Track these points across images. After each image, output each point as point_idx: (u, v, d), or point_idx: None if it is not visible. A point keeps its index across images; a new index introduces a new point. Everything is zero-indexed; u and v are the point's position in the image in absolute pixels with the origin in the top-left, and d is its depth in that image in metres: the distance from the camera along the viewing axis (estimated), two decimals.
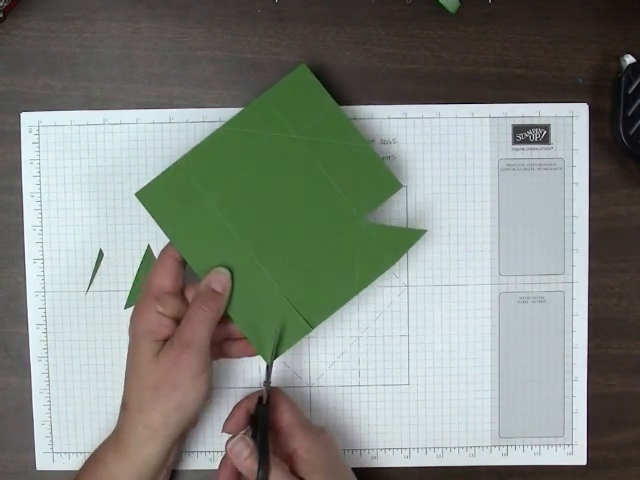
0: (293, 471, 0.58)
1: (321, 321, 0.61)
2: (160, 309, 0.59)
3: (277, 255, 0.61)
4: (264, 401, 0.60)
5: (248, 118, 0.61)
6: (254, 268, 0.61)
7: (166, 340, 0.59)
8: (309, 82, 0.61)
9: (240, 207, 0.61)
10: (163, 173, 0.61)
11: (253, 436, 0.59)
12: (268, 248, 0.61)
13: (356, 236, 0.61)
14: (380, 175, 0.61)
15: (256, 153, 0.61)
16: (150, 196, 0.60)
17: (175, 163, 0.61)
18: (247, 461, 0.58)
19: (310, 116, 0.61)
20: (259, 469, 0.56)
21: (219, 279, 0.60)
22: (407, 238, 0.62)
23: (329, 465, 0.59)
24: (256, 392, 0.62)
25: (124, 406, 0.60)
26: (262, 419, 0.60)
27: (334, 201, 0.61)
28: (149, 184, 0.61)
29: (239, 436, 0.59)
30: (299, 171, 0.61)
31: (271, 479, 0.56)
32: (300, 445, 0.58)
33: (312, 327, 0.61)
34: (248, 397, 0.62)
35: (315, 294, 0.61)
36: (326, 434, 0.60)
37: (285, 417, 0.60)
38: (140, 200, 0.60)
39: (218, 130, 0.61)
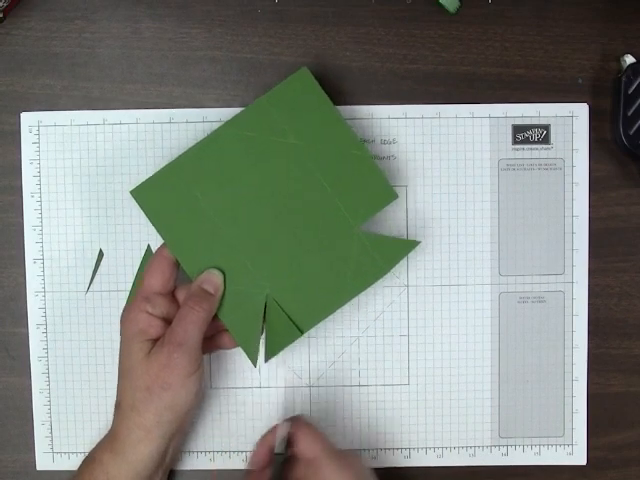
0: None
1: (311, 327, 0.61)
2: (150, 309, 0.59)
3: (270, 259, 0.61)
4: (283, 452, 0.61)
5: (246, 120, 0.60)
6: (246, 271, 0.60)
7: (157, 340, 0.59)
8: (310, 86, 0.61)
9: (234, 210, 0.60)
10: (158, 172, 0.60)
11: None
12: (261, 252, 0.61)
13: (350, 244, 0.61)
14: (377, 184, 0.61)
15: (253, 156, 0.60)
16: (144, 194, 0.60)
17: (171, 162, 0.60)
18: None
19: (309, 121, 0.60)
20: None
21: (212, 280, 0.60)
22: (401, 248, 0.62)
23: None
24: (275, 426, 0.62)
25: (117, 406, 0.60)
26: None
27: (329, 208, 0.61)
28: (144, 182, 0.60)
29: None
30: (295, 176, 0.61)
31: None
32: (328, 476, 0.58)
33: (302, 332, 0.61)
34: (270, 431, 0.62)
35: (306, 300, 0.61)
36: (356, 463, 0.60)
37: (314, 448, 0.59)
38: (134, 198, 0.60)
39: (215, 131, 0.61)
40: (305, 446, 0.59)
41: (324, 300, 0.61)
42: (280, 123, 0.60)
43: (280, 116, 0.60)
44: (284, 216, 0.61)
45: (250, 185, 0.60)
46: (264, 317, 0.61)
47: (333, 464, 0.58)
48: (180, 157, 0.60)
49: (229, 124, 0.61)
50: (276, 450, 0.61)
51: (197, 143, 0.60)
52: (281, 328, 0.61)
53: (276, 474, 0.61)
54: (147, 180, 0.60)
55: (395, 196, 0.61)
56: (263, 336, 0.61)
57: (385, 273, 0.61)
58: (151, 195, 0.60)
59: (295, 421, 0.61)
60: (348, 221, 0.61)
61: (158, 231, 0.60)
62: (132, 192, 0.60)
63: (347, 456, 0.60)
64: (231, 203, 0.60)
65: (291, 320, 0.61)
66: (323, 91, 0.61)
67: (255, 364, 0.61)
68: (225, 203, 0.60)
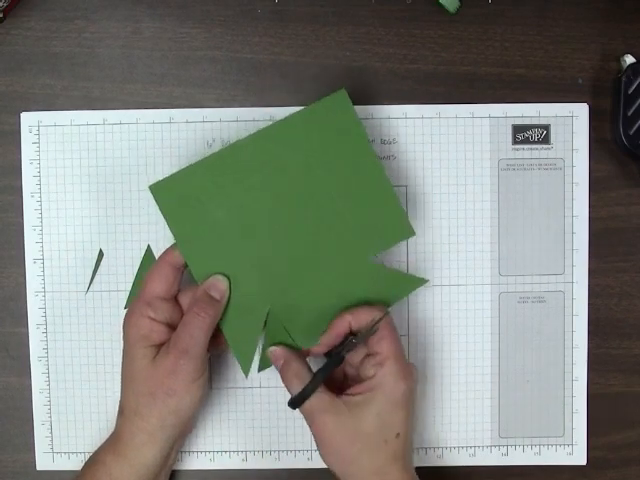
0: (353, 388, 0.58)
1: (309, 346, 0.61)
2: (152, 315, 0.58)
3: (276, 274, 0.60)
4: (343, 354, 0.59)
5: (275, 134, 0.59)
6: (251, 283, 0.60)
7: (160, 345, 0.59)
8: (345, 109, 0.59)
9: (249, 221, 0.60)
10: (180, 171, 0.59)
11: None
12: (269, 266, 0.60)
13: (359, 274, 0.60)
14: (396, 219, 0.60)
15: (275, 170, 0.59)
16: (163, 191, 0.59)
17: (193, 164, 0.59)
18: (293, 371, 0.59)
19: (338, 145, 0.59)
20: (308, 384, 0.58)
21: (217, 286, 0.59)
22: (408, 285, 0.62)
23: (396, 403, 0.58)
24: (367, 313, 0.59)
25: (121, 410, 0.60)
26: (329, 366, 0.59)
27: (343, 235, 0.60)
28: (164, 179, 0.59)
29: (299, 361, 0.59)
30: (314, 198, 0.60)
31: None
32: (383, 375, 0.57)
33: (300, 349, 0.61)
34: (357, 313, 0.59)
35: (307, 319, 0.61)
36: (413, 375, 0.59)
37: (382, 345, 0.58)
38: (153, 193, 0.59)
39: (242, 140, 0.59)
40: (376, 340, 0.58)
41: (324, 322, 0.60)
42: (308, 142, 0.59)
43: (309, 135, 0.59)
44: (297, 235, 0.60)
45: (267, 199, 0.60)
46: (263, 330, 0.61)
47: (397, 369, 0.58)
48: (203, 160, 0.59)
49: (257, 135, 0.59)
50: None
51: (222, 149, 0.59)
52: (279, 342, 0.61)
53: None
54: (167, 178, 0.59)
55: (412, 233, 0.60)
56: (260, 345, 0.61)
57: (388, 307, 0.61)
58: (169, 193, 0.59)
59: (384, 319, 0.59)
60: (360, 251, 0.60)
61: (171, 229, 0.59)
62: (151, 187, 0.59)
63: (409, 365, 0.59)
64: (246, 214, 0.60)
65: (290, 337, 0.61)
66: (357, 116, 0.59)
67: (247, 375, 0.61)
68: (240, 213, 0.60)
